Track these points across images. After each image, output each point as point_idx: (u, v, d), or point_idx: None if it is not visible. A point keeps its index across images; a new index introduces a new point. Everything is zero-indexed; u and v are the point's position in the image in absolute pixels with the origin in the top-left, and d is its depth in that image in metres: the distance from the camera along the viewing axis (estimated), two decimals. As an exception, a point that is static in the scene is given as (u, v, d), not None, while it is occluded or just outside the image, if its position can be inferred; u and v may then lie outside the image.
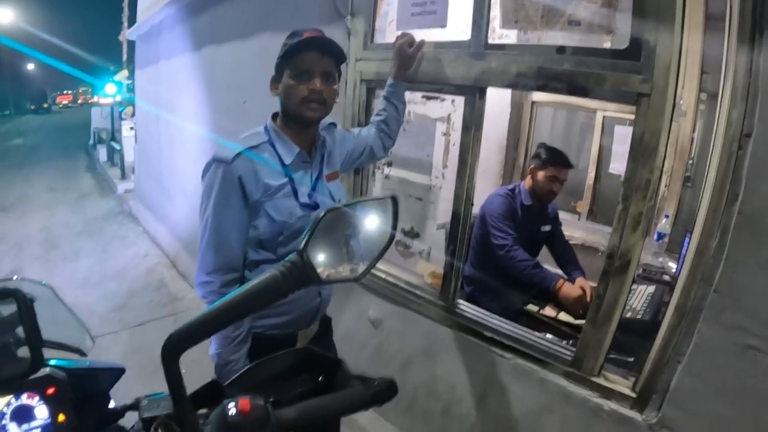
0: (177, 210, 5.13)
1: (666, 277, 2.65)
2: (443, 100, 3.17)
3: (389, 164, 3.15)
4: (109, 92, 12.52)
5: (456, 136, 2.28)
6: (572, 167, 2.78)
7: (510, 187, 2.87)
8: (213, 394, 0.75)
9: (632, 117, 1.62)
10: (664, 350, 1.58)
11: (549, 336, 2.10)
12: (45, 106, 46.12)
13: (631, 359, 1.94)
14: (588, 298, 2.52)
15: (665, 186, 3.08)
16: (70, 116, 33.35)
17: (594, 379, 1.78)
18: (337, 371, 0.84)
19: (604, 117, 3.54)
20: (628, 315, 2.19)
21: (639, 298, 2.39)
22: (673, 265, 2.64)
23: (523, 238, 2.76)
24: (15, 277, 0.83)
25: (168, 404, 0.72)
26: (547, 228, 2.91)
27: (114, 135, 11.04)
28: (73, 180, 10.76)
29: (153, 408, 0.75)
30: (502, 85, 1.98)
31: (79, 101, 50.07)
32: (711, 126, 1.76)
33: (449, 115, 2.34)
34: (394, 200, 0.80)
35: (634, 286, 2.46)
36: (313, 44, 1.52)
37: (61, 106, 48.51)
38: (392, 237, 0.79)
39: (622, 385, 1.74)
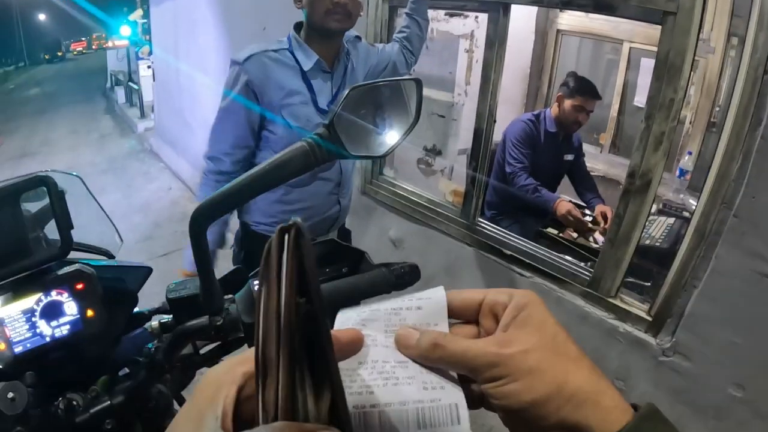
0: (198, 142, 5.04)
1: (686, 213, 2.63)
2: (466, 16, 3.09)
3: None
4: (124, 34, 12.40)
5: (479, 53, 2.23)
6: (600, 98, 2.72)
7: (535, 113, 2.82)
8: (239, 279, 0.77)
9: (657, 46, 1.58)
10: (681, 274, 1.59)
11: (568, 257, 2.12)
12: (59, 54, 45.86)
13: (648, 284, 1.95)
14: (604, 223, 2.54)
15: (690, 123, 3.02)
16: (86, 62, 33.21)
17: (611, 300, 1.80)
18: (360, 262, 0.87)
19: (630, 48, 3.43)
20: (647, 242, 2.19)
21: (659, 227, 2.38)
22: (693, 202, 2.62)
23: (545, 165, 2.75)
24: (43, 171, 0.85)
25: (195, 284, 0.73)
26: (570, 157, 2.87)
27: (131, 76, 10.98)
28: (94, 123, 10.85)
29: (180, 289, 0.76)
30: (526, 2, 1.95)
31: (94, 47, 49.58)
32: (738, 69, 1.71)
33: (472, 31, 2.29)
34: (418, 82, 0.80)
35: (654, 217, 2.46)
36: None
37: (75, 53, 48.11)
38: (417, 117, 0.81)
39: (638, 308, 1.76)
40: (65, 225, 0.80)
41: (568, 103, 2.68)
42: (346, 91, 0.74)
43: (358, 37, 1.81)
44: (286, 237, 0.26)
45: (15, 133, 10.56)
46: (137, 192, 5.75)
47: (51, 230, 0.85)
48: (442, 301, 0.41)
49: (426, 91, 3.07)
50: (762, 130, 1.36)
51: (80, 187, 1.03)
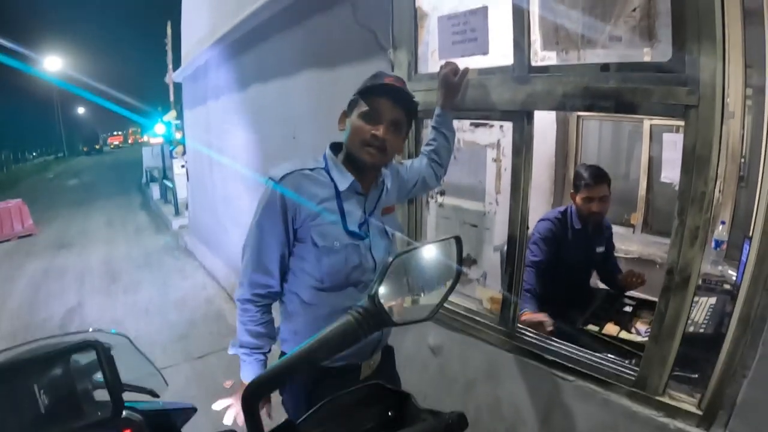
0: (232, 242, 5.25)
1: (727, 286, 2.56)
2: (491, 126, 3.17)
3: (442, 193, 3.15)
4: (159, 132, 13.04)
5: (507, 162, 2.27)
6: (605, 181, 2.67)
7: (562, 209, 2.82)
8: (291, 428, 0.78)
9: (680, 123, 1.59)
10: (729, 363, 1.53)
11: (610, 356, 2.06)
12: (97, 147, 48.39)
13: (696, 375, 1.86)
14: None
15: (719, 191, 2.99)
16: (122, 156, 34.76)
17: (658, 398, 1.73)
18: (406, 405, 0.86)
19: (651, 125, 3.47)
20: (691, 329, 2.13)
21: (701, 310, 2.31)
22: (733, 273, 2.55)
23: (575, 260, 2.73)
24: (91, 329, 0.89)
25: None
26: (600, 249, 2.84)
27: (166, 173, 11.44)
28: (130, 216, 11.26)
29: None
30: (548, 108, 1.97)
31: (130, 141, 52.12)
32: (759, 120, 1.70)
33: (498, 140, 2.34)
34: (458, 240, 0.82)
35: (695, 299, 2.39)
36: (390, 91, 1.53)
37: (112, 147, 50.65)
38: (458, 275, 0.81)
39: (688, 402, 1.68)
40: (116, 388, 0.83)
41: (578, 199, 2.68)
42: (390, 259, 0.76)
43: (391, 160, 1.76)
44: None
45: (52, 223, 11.03)
46: (173, 290, 5.85)
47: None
48: None
49: (457, 201, 3.15)
50: None
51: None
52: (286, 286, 1.63)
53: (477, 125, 3.09)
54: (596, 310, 2.62)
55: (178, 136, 10.83)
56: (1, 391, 0.78)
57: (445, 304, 2.36)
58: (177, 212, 9.66)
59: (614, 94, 1.72)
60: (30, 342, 0.86)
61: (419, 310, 0.80)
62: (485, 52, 2.12)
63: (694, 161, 1.53)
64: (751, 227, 1.52)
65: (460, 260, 0.81)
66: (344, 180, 1.56)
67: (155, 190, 12.04)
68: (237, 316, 1.64)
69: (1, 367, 0.79)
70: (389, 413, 0.86)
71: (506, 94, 2.05)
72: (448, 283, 0.81)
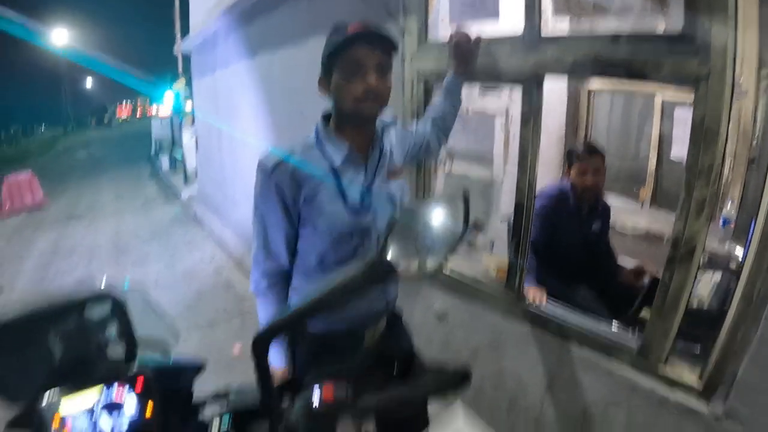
0: (240, 212, 5.28)
1: (733, 265, 2.56)
2: (500, 94, 3.14)
3: (451, 159, 3.15)
4: (168, 102, 13.02)
5: (515, 129, 2.26)
6: (599, 152, 2.64)
7: (558, 186, 2.77)
8: (296, 382, 0.79)
9: (692, 98, 1.57)
10: (731, 340, 1.54)
11: (614, 327, 2.08)
12: (105, 120, 48.48)
13: (697, 349, 1.89)
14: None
15: (729, 170, 2.97)
16: (131, 128, 34.77)
17: (660, 370, 1.76)
18: (411, 364, 0.88)
19: (663, 101, 3.43)
20: (695, 304, 2.15)
21: (705, 286, 2.32)
22: (739, 252, 2.55)
23: (573, 238, 2.71)
24: (104, 283, 0.90)
25: (255, 397, 0.77)
26: (597, 226, 2.80)
27: (175, 143, 11.45)
28: (139, 188, 11.28)
29: (241, 399, 0.82)
30: (558, 74, 1.98)
31: (138, 113, 52.15)
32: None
33: (507, 108, 2.32)
34: (465, 197, 0.82)
35: (701, 274, 2.40)
36: (361, 37, 1.42)
37: (121, 119, 50.69)
38: (465, 231, 0.82)
39: (688, 375, 1.71)
40: (130, 341, 0.85)
41: (573, 174, 2.64)
42: (397, 214, 0.77)
43: (393, 121, 1.74)
44: None
45: (62, 195, 11.07)
46: (181, 261, 5.88)
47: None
48: None
49: (465, 168, 3.14)
50: None
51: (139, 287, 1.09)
52: (294, 267, 1.61)
53: (486, 93, 3.07)
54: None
55: (187, 107, 10.81)
56: (15, 343, 0.79)
57: (452, 272, 2.41)
58: (186, 182, 9.68)
59: (624, 63, 1.71)
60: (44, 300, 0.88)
61: (425, 263, 0.81)
62: (496, 17, 2.10)
63: (703, 133, 1.53)
64: (759, 207, 1.51)
65: (467, 216, 0.82)
66: (339, 153, 1.51)
67: (164, 162, 12.07)
68: (258, 308, 1.62)
69: (17, 319, 0.80)
70: (395, 372, 0.88)
71: (516, 61, 2.04)
72: (455, 238, 0.82)
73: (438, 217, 0.83)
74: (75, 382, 0.81)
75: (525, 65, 2.01)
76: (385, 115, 1.63)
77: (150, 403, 0.82)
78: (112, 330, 0.86)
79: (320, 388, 0.75)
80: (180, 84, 11.87)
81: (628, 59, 1.70)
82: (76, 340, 0.84)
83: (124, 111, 52.75)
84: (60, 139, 35.58)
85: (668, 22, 2.20)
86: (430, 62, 2.41)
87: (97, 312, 0.88)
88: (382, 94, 1.47)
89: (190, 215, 7.93)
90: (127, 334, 0.85)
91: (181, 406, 0.90)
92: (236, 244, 5.56)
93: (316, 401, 0.72)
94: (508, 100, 2.33)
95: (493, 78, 2.16)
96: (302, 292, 1.63)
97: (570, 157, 2.67)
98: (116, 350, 0.85)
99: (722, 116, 1.49)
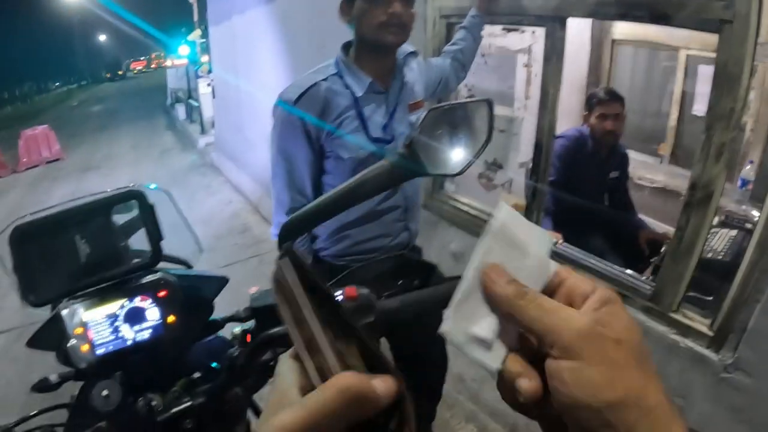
0: (258, 157, 5.26)
1: (749, 225, 2.55)
2: (523, 31, 3.09)
3: (471, 97, 3.12)
4: (183, 53, 12.91)
5: (537, 68, 2.23)
6: (620, 98, 2.62)
7: (578, 129, 2.76)
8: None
9: (715, 55, 1.56)
10: (744, 288, 1.55)
11: (628, 270, 2.10)
12: (120, 73, 48.09)
13: (710, 298, 1.89)
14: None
15: (750, 131, 2.93)
16: (146, 81, 34.48)
17: (672, 314, 1.77)
18: (431, 275, 0.89)
19: (687, 56, 3.36)
20: (709, 255, 2.14)
21: (721, 240, 2.31)
22: (756, 214, 2.54)
23: (590, 184, 2.71)
24: (133, 184, 0.91)
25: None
26: (615, 174, 2.79)
27: (191, 93, 11.40)
28: (155, 138, 11.28)
29: (261, 299, 0.83)
30: (582, 15, 1.95)
31: (153, 66, 51.68)
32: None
33: (530, 46, 2.30)
34: (489, 103, 0.83)
35: (716, 230, 2.40)
36: None
37: (135, 72, 50.26)
38: (489, 137, 0.84)
39: (700, 322, 1.72)
40: (156, 237, 0.86)
41: (592, 118, 2.63)
42: (424, 113, 0.79)
43: (414, 53, 1.73)
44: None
45: (78, 148, 11.10)
46: (199, 205, 5.93)
47: (137, 240, 0.91)
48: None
49: None
50: None
51: (164, 198, 1.12)
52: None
53: (509, 30, 3.01)
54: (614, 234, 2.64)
55: (203, 58, 10.72)
56: (42, 245, 0.81)
57: (469, 210, 2.43)
58: (203, 131, 9.65)
59: (649, 4, 1.69)
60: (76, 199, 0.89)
61: (453, 164, 0.83)
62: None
63: (725, 77, 1.52)
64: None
65: (491, 122, 0.83)
66: (360, 84, 1.49)
67: (180, 111, 12.00)
68: None
69: (46, 219, 0.81)
70: (415, 282, 0.88)
71: (539, 0, 2.01)
72: (481, 142, 0.84)
73: (464, 119, 0.84)
74: (100, 287, 0.82)
75: (548, 3, 1.98)
76: (407, 46, 1.62)
77: (172, 314, 0.84)
78: (139, 230, 0.87)
79: (343, 289, 0.75)
80: (195, 35, 11.74)
81: (653, 0, 1.67)
82: (102, 240, 0.85)
83: (139, 64, 52.25)
84: (75, 94, 35.49)
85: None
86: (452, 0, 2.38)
87: (125, 215, 0.91)
88: (407, 22, 1.45)
89: (207, 162, 7.97)
90: (154, 233, 0.86)
91: (202, 318, 0.92)
92: (253, 188, 5.60)
93: (339, 299, 0.72)
94: (531, 38, 2.30)
95: (516, 16, 2.13)
96: (328, 231, 1.63)
97: (590, 101, 2.66)
98: (143, 252, 0.86)
99: (745, 61, 1.48)
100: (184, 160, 8.67)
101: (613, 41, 3.57)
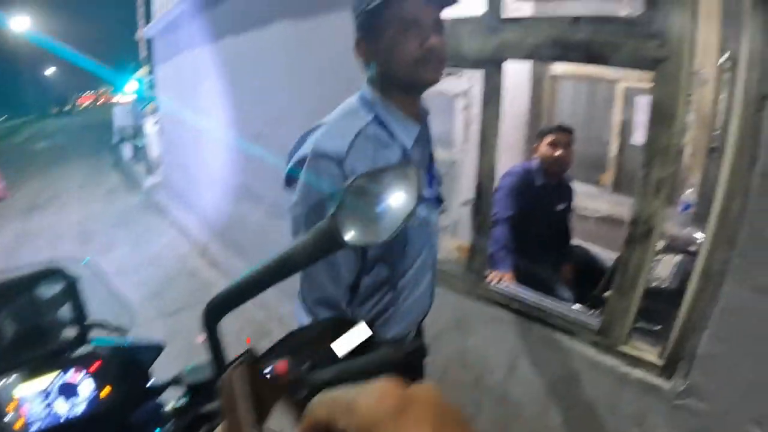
0: (205, 199, 5.23)
1: (693, 248, 2.63)
2: (461, 75, 3.13)
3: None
4: (130, 90, 12.71)
5: (475, 111, 2.27)
6: (571, 131, 2.72)
7: (525, 164, 2.83)
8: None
9: (651, 93, 1.61)
10: (690, 316, 1.58)
11: (576, 306, 2.11)
12: (67, 108, 47.07)
13: (658, 328, 1.93)
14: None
15: (690, 156, 3.05)
16: (93, 117, 33.88)
17: (621, 347, 1.79)
18: (368, 339, 0.88)
19: (625, 88, 3.49)
20: (655, 284, 2.19)
21: (666, 267, 2.36)
22: (699, 235, 2.62)
23: (539, 217, 2.75)
24: (58, 259, 0.88)
25: (209, 370, 0.74)
26: (562, 206, 2.86)
27: (137, 132, 11.22)
28: (102, 177, 11.03)
29: (196, 374, 0.79)
30: (519, 58, 1.98)
31: (101, 102, 50.88)
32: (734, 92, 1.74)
33: (468, 90, 2.33)
34: (417, 168, 0.81)
35: (661, 256, 2.45)
36: None
37: (83, 107, 49.36)
38: (417, 202, 0.81)
39: (649, 353, 1.75)
40: (79, 315, 0.83)
41: (542, 146, 2.70)
42: (350, 181, 0.75)
43: None
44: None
45: (24, 186, 10.72)
46: (146, 248, 5.79)
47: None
48: None
49: None
50: (759, 167, 1.38)
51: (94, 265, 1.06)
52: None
53: (446, 74, 3.02)
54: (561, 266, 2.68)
55: (151, 95, 10.59)
56: None
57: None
58: (150, 171, 9.50)
59: (584, 45, 1.73)
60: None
61: (380, 231, 0.79)
62: (456, 2, 2.09)
63: (662, 114, 1.56)
64: (716, 185, 1.56)
65: (420, 187, 0.80)
66: (409, 132, 1.23)
67: (127, 150, 11.80)
68: None
69: None
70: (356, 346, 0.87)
71: (476, 44, 2.04)
72: (410, 206, 0.80)
73: (391, 184, 0.81)
74: (28, 363, 0.79)
75: (485, 47, 2.01)
76: None
77: (107, 385, 0.82)
78: (66, 307, 0.85)
79: (273, 364, 0.73)
80: (143, 72, 11.60)
81: (588, 42, 1.71)
82: (27, 318, 0.83)
83: (86, 99, 51.30)
84: (20, 129, 34.47)
85: (629, 7, 2.21)
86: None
87: (49, 289, 0.87)
88: (444, 55, 1.22)
89: (153, 203, 7.83)
90: (79, 311, 0.84)
91: (138, 388, 0.89)
92: (200, 230, 5.50)
93: (268, 374, 0.71)
94: (469, 81, 2.33)
95: (453, 60, 2.16)
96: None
97: (541, 132, 2.74)
98: (70, 329, 0.84)
99: (679, 99, 1.53)
100: (130, 200, 8.48)
101: (553, 77, 3.67)
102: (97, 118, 28.98)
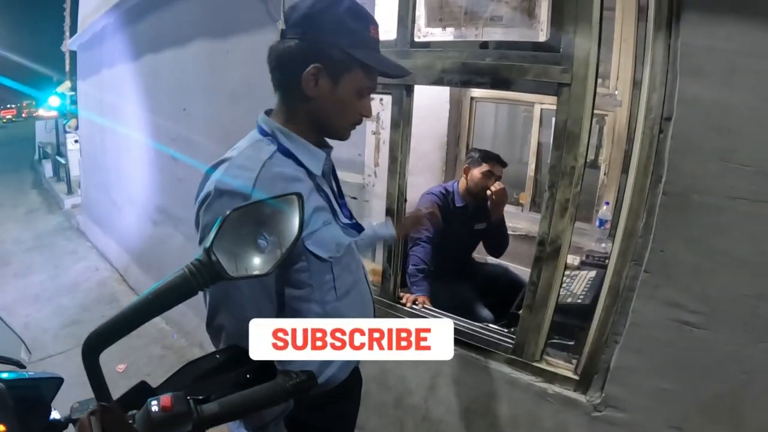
0: (125, 222, 5.07)
1: (608, 262, 2.72)
2: (371, 99, 3.07)
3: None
4: (53, 104, 12.12)
5: (386, 135, 2.29)
6: (506, 165, 2.81)
7: (446, 185, 2.88)
8: (143, 395, 0.76)
9: (555, 117, 1.66)
10: (602, 331, 1.63)
11: (490, 326, 2.14)
12: (-15, 123, 44.50)
13: (573, 343, 1.98)
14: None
15: (605, 174, 3.18)
16: (14, 131, 32.19)
17: (536, 364, 1.83)
18: (264, 368, 0.86)
19: (542, 110, 3.61)
20: (569, 300, 2.25)
21: (580, 283, 2.42)
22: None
23: (455, 238, 2.80)
24: None
25: (95, 404, 0.72)
26: (481, 226, 2.92)
27: (59, 149, 10.71)
28: (21, 196, 10.47)
29: (83, 410, 0.76)
30: (428, 83, 2.01)
31: (24, 115, 48.34)
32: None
33: (378, 113, 2.36)
34: (300, 197, 0.81)
35: (576, 272, 2.53)
36: (394, 67, 1.21)
37: (4, 121, 46.75)
38: (300, 232, 0.81)
39: (564, 368, 1.80)
40: None
41: (476, 172, 2.75)
42: (228, 212, 0.74)
43: None
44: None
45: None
46: (64, 272, 5.54)
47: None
48: None
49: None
50: (662, 186, 1.43)
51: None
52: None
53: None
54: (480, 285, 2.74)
55: (74, 110, 10.13)
56: None
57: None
58: (70, 191, 9.12)
59: (491, 70, 1.77)
60: None
61: (260, 264, 0.79)
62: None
63: (565, 137, 1.61)
64: (621, 203, 1.63)
65: (302, 217, 0.81)
66: (316, 160, 1.17)
67: (48, 168, 11.24)
68: None
69: None
70: (248, 376, 0.86)
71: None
72: (292, 236, 0.81)
73: (271, 216, 0.81)
74: None
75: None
76: None
77: (1, 423, 0.78)
78: None
79: (159, 398, 0.71)
80: (65, 86, 11.09)
81: (494, 65, 1.76)
82: None
83: (7, 113, 48.53)
84: (-65, 143, 32.22)
85: (535, 33, 2.30)
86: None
87: None
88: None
89: (73, 225, 7.53)
90: None
91: (39, 423, 0.85)
92: (119, 255, 5.33)
93: (155, 409, 0.70)
94: (379, 105, 2.36)
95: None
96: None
97: (478, 155, 2.78)
98: None
99: (584, 121, 1.58)
100: (50, 222, 8.08)
101: (472, 99, 3.76)
102: (20, 132, 27.50)
